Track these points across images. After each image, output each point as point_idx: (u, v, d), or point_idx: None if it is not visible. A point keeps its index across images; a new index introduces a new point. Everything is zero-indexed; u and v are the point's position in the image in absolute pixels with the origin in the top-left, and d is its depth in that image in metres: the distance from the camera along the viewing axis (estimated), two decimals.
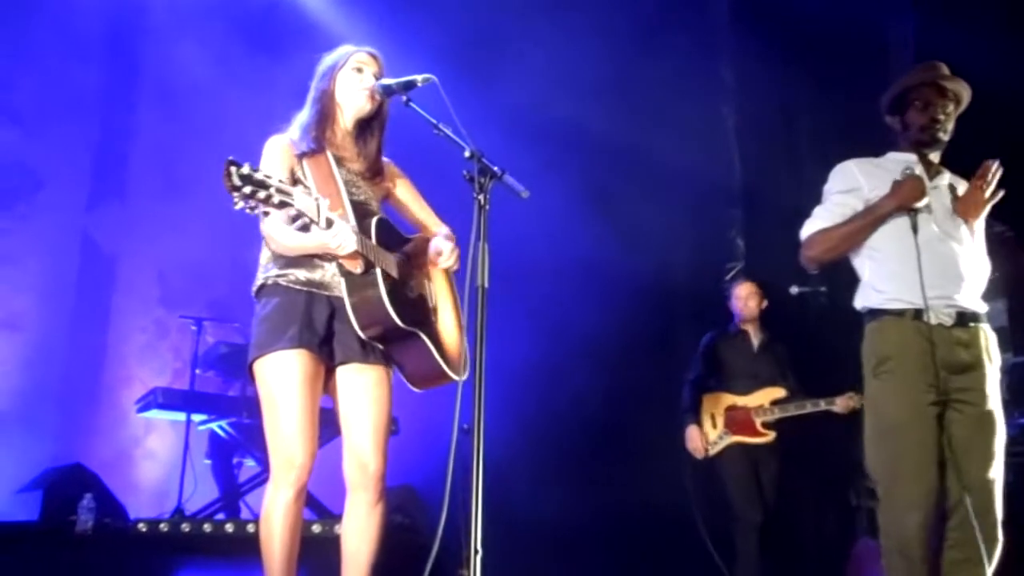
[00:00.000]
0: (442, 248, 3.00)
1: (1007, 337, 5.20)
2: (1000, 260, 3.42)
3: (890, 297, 3.09)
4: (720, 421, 5.12)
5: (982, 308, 3.10)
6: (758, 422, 5.06)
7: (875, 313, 3.13)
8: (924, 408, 2.97)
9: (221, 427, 5.33)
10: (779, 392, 5.12)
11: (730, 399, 5.17)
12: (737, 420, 5.09)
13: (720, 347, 5.31)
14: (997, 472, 2.97)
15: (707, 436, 5.11)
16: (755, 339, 5.29)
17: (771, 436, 5.05)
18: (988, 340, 3.09)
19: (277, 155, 2.87)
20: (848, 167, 3.27)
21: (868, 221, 3.14)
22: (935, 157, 3.27)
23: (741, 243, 6.62)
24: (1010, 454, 4.84)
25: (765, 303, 5.30)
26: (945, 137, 3.22)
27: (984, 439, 2.99)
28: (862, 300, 3.20)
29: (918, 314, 3.00)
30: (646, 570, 5.67)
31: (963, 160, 3.29)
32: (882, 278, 3.13)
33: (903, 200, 3.07)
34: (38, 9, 6.04)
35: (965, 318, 3.05)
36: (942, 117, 3.18)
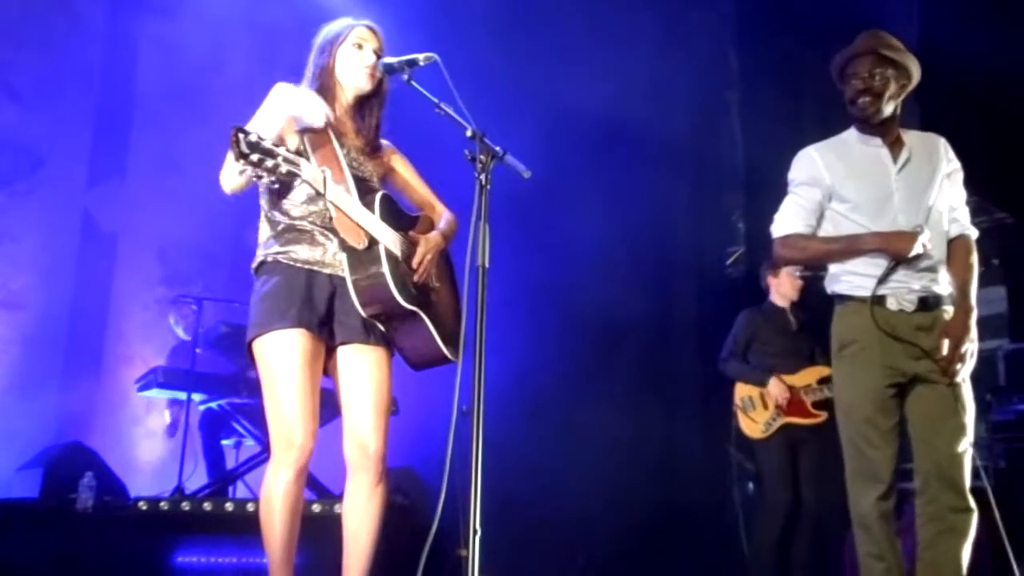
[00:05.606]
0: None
1: (1005, 323, 5.21)
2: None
3: (855, 284, 3.11)
4: (771, 401, 4.92)
5: (945, 291, 3.09)
6: (808, 402, 4.89)
7: (840, 298, 3.18)
8: (880, 391, 3.03)
9: (221, 406, 5.33)
10: (825, 370, 4.86)
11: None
12: (788, 400, 4.89)
13: (759, 325, 5.12)
14: (966, 446, 2.98)
15: (759, 417, 4.91)
16: (793, 317, 5.15)
17: (823, 417, 4.84)
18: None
19: (281, 100, 2.74)
20: (810, 156, 3.19)
21: (848, 250, 3.08)
22: (899, 132, 3.14)
23: (743, 227, 6.61)
24: (1008, 440, 4.87)
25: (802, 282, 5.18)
26: (879, 116, 3.09)
27: (952, 414, 3.00)
28: (830, 284, 3.23)
29: (879, 300, 3.04)
30: (646, 550, 5.69)
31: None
32: (849, 264, 3.13)
33: (893, 251, 3.00)
34: None
35: (928, 303, 3.06)
36: (873, 92, 3.05)
